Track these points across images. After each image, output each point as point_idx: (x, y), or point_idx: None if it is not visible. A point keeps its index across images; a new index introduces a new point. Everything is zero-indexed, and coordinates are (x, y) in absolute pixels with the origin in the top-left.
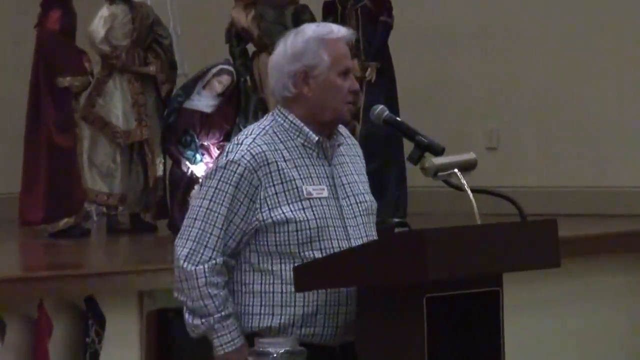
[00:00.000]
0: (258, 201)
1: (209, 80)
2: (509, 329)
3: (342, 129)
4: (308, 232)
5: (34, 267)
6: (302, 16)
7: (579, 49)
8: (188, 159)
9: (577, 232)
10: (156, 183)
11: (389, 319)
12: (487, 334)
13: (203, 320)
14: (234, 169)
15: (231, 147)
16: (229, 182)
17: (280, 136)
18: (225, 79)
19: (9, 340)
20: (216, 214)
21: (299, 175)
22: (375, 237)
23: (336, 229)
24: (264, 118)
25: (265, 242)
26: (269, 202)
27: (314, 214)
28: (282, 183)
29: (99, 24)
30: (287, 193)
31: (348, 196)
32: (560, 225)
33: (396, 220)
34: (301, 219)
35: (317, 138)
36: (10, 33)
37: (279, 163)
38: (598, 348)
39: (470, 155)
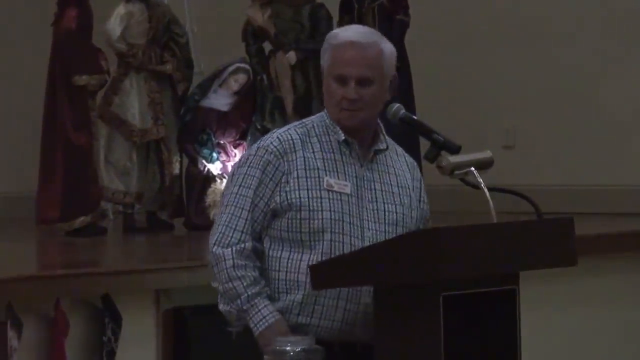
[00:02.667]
0: (281, 184)
1: (225, 79)
2: (526, 328)
3: (396, 145)
4: (320, 221)
5: (50, 266)
6: (318, 15)
7: (596, 47)
8: (204, 158)
9: (594, 231)
10: (172, 181)
11: (406, 318)
12: (503, 332)
13: (232, 304)
14: (262, 154)
15: (266, 136)
16: (256, 166)
17: (317, 130)
18: (242, 78)
19: (25, 339)
20: (244, 197)
21: (325, 167)
22: None
23: (352, 225)
24: (318, 114)
25: (279, 227)
26: (289, 185)
27: (329, 206)
28: (305, 169)
29: (116, 22)
30: (308, 180)
31: (376, 201)
32: (576, 223)
33: None
34: (315, 207)
35: (343, 137)
36: (27, 32)
37: (306, 152)
38: (614, 347)
39: (486, 154)
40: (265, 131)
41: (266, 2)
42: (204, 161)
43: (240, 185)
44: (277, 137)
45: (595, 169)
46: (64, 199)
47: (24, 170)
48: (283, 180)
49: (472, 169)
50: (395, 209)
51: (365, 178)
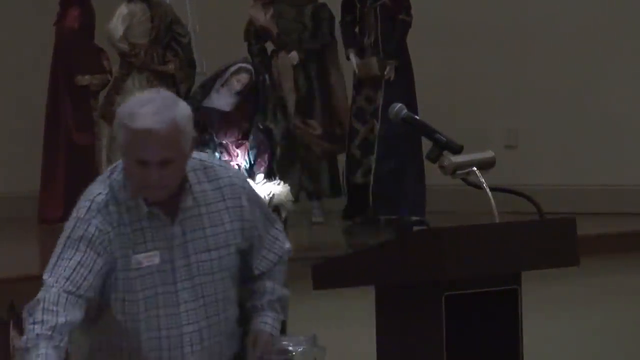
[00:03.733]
0: (109, 261)
1: (227, 79)
2: (528, 327)
3: (206, 171)
4: (134, 303)
5: None
6: (320, 14)
7: (599, 47)
8: None
9: (596, 231)
10: None
11: (408, 317)
12: (505, 332)
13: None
14: (84, 227)
15: (85, 203)
16: (77, 239)
17: (124, 195)
18: (244, 78)
19: None
20: (67, 261)
21: (134, 241)
22: (220, 295)
23: (165, 295)
24: (115, 168)
25: (99, 307)
26: (107, 268)
27: (140, 285)
28: (120, 248)
29: (118, 22)
30: (120, 260)
31: (188, 255)
32: (578, 223)
33: (415, 218)
34: (128, 289)
35: (146, 210)
36: (29, 32)
37: (121, 227)
38: (616, 347)
39: (488, 154)
40: (267, 131)
41: (268, 2)
42: None
43: (59, 258)
44: (98, 210)
45: (597, 169)
46: (66, 198)
47: (27, 170)
48: (105, 260)
49: (474, 168)
50: (210, 256)
51: (175, 236)
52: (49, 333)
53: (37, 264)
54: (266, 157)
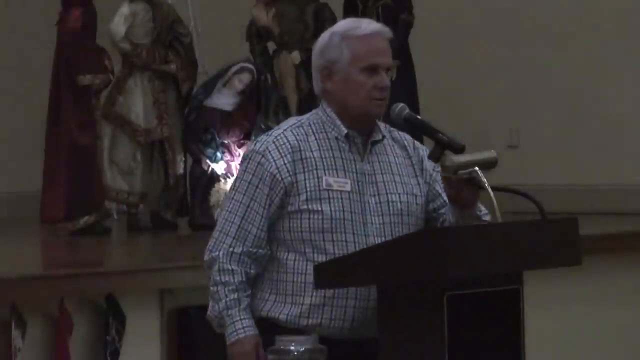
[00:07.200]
0: (278, 189)
1: (229, 79)
2: (530, 327)
3: (398, 132)
4: (321, 222)
5: (54, 265)
6: (322, 14)
7: (601, 47)
8: (208, 157)
9: (598, 230)
10: (177, 181)
11: (410, 317)
12: (507, 332)
13: (213, 309)
14: (257, 159)
15: (261, 137)
16: (251, 172)
17: (314, 127)
18: (246, 77)
19: (29, 338)
20: (238, 203)
21: (323, 165)
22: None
23: (354, 223)
24: (312, 112)
25: (281, 229)
26: (288, 190)
27: (329, 206)
28: (303, 172)
29: (120, 21)
30: (306, 181)
31: (378, 194)
32: (581, 223)
33: None
34: (316, 209)
35: (346, 131)
36: (31, 31)
37: (303, 152)
38: (618, 346)
39: (490, 153)
40: (269, 131)
41: (270, 2)
42: (208, 161)
43: (235, 191)
44: (273, 142)
45: (599, 169)
46: (68, 198)
47: (28, 170)
48: (281, 184)
49: (476, 168)
50: (399, 198)
51: (366, 172)
52: (235, 296)
53: (39, 264)
54: None
